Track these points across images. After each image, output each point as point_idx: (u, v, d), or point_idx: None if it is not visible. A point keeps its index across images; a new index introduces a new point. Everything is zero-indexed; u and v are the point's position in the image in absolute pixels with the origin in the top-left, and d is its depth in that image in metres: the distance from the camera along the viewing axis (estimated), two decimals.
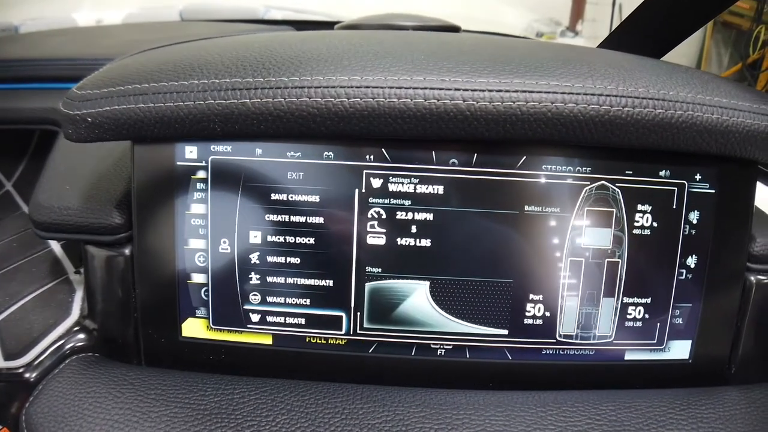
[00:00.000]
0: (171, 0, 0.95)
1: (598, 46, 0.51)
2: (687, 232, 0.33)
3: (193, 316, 0.34)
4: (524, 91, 0.27)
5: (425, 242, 0.32)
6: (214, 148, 0.32)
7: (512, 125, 0.27)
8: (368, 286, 0.33)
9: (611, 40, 0.48)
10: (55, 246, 0.44)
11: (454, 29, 0.44)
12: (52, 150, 0.42)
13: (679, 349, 0.35)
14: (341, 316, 0.33)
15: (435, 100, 0.26)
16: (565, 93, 0.27)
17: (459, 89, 0.26)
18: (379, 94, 0.26)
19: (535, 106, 0.26)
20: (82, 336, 0.36)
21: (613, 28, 1.20)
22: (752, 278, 0.35)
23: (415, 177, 0.31)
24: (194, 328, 0.34)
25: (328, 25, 0.77)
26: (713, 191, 0.33)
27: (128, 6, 0.95)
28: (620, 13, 1.18)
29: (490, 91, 0.26)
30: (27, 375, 0.35)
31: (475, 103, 0.26)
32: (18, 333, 0.36)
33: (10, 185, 0.55)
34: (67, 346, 0.36)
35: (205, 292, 0.34)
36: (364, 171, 0.31)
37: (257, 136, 0.30)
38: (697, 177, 0.33)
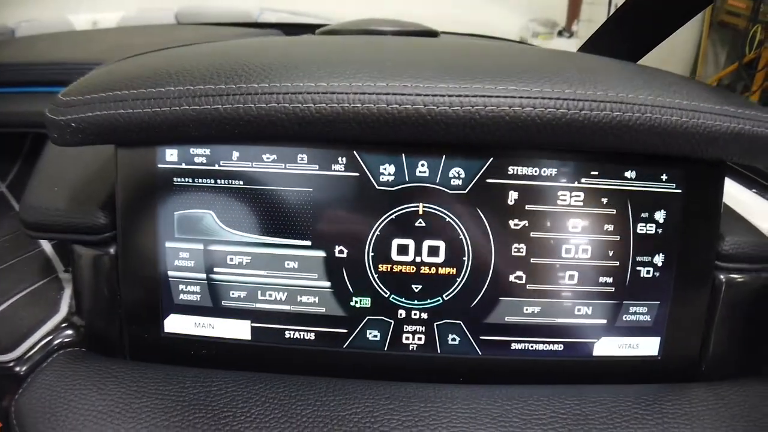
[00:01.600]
0: (167, 2, 0.97)
1: (579, 48, 0.52)
2: (654, 231, 0.34)
3: (175, 312, 0.35)
4: (483, 96, 0.28)
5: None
6: (193, 151, 0.33)
7: (472, 129, 0.28)
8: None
9: (592, 43, 0.49)
10: (47, 246, 0.46)
11: (432, 34, 0.45)
12: (42, 153, 0.44)
13: (648, 346, 0.36)
14: (317, 313, 0.35)
15: (396, 105, 0.27)
16: (522, 97, 0.28)
17: (420, 94, 0.27)
18: (344, 99, 0.27)
19: (494, 110, 0.27)
20: (69, 332, 0.38)
21: None
22: (722, 277, 0.35)
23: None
24: (176, 324, 0.35)
25: (317, 28, 0.78)
26: (680, 191, 0.34)
27: (124, 8, 0.97)
28: None
29: (450, 96, 0.27)
30: (17, 369, 0.36)
31: (435, 107, 0.27)
32: (9, 329, 0.38)
33: (4, 186, 0.57)
34: (56, 341, 0.37)
35: (185, 289, 0.35)
36: (337, 172, 0.33)
37: (232, 139, 0.31)
38: (664, 177, 0.34)
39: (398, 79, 0.28)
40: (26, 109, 0.51)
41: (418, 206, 0.33)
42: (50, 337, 0.37)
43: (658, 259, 0.34)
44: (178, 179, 0.34)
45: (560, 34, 1.10)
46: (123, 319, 0.36)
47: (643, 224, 0.34)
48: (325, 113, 0.28)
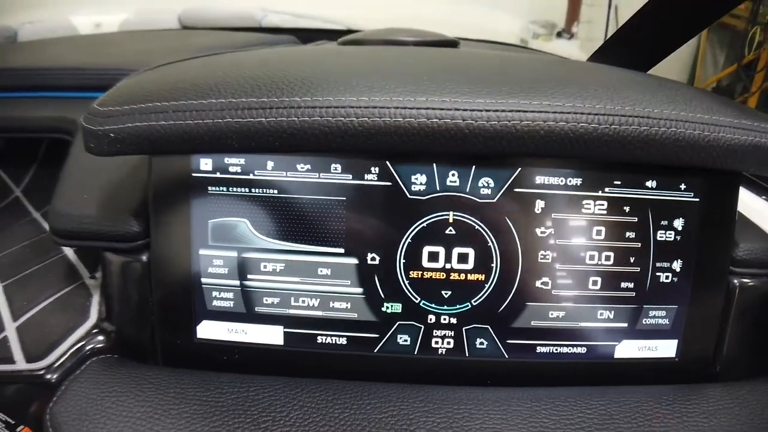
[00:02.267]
0: (169, 4, 0.97)
1: (590, 57, 0.53)
2: (673, 239, 0.35)
3: (208, 318, 0.36)
4: (519, 111, 0.29)
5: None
6: (227, 160, 0.34)
7: (508, 142, 0.29)
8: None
9: (603, 52, 0.50)
10: (69, 252, 0.46)
11: (453, 44, 0.46)
12: (66, 159, 0.44)
13: (666, 348, 0.37)
14: (349, 319, 0.35)
15: (437, 119, 0.28)
16: (557, 112, 0.29)
17: (458, 109, 0.28)
18: (385, 113, 0.28)
19: (529, 125, 0.29)
20: (100, 338, 0.38)
21: (609, 29, 1.22)
22: (735, 281, 0.37)
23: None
24: (209, 329, 0.36)
25: (328, 33, 0.78)
26: (697, 199, 0.35)
27: (127, 10, 0.96)
28: (616, 14, 1.20)
29: (488, 110, 0.28)
30: (48, 376, 0.37)
31: (473, 122, 0.28)
32: (38, 336, 0.38)
33: (19, 191, 0.57)
34: (87, 348, 0.38)
35: (218, 295, 0.36)
36: (370, 182, 0.33)
37: (271, 151, 0.32)
38: (682, 186, 0.35)
39: (437, 94, 0.29)
40: (41, 115, 0.51)
41: (448, 215, 0.34)
42: (81, 344, 0.38)
43: (677, 265, 0.36)
44: (213, 188, 0.34)
45: (560, 35, 1.12)
46: (155, 325, 0.37)
47: (663, 231, 0.35)
48: (367, 127, 0.28)
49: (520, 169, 0.34)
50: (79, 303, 0.40)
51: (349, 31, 0.77)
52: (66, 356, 0.37)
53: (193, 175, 0.34)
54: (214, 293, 0.36)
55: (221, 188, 0.34)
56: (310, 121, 0.29)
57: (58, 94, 0.53)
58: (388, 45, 0.45)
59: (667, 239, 0.35)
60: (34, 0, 0.91)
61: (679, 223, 0.35)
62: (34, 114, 0.51)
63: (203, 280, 0.35)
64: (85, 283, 0.42)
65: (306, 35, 0.68)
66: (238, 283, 0.35)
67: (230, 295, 0.36)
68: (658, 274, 0.36)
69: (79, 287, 0.42)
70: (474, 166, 0.33)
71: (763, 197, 0.45)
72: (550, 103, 0.29)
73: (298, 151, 0.32)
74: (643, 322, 0.36)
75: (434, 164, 0.33)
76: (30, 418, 0.37)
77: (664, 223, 0.35)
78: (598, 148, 0.30)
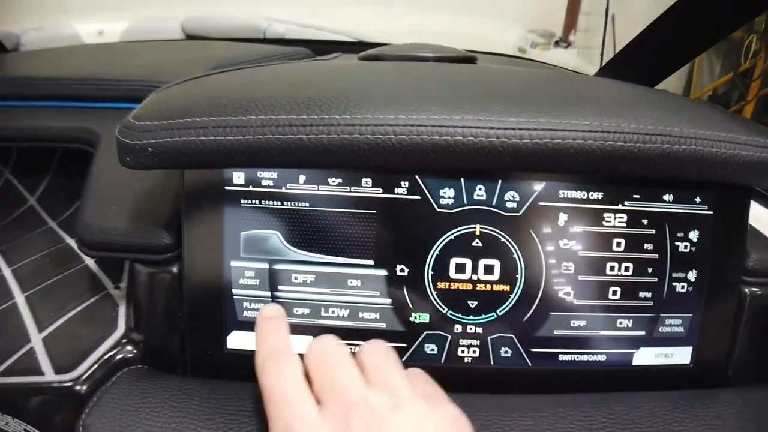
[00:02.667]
0: (172, 11, 0.97)
1: (598, 71, 0.55)
2: (688, 250, 0.37)
3: (238, 329, 0.37)
4: (550, 129, 0.30)
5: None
6: (260, 174, 0.35)
7: (539, 159, 0.30)
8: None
9: (611, 66, 0.52)
10: (90, 261, 0.46)
11: (471, 59, 0.47)
12: (90, 170, 0.44)
13: (681, 355, 0.38)
14: (377, 329, 0.36)
15: (472, 138, 0.29)
16: (586, 131, 0.30)
17: (493, 128, 0.30)
18: (423, 131, 0.29)
19: (560, 143, 0.30)
20: (129, 348, 0.38)
21: (606, 38, 1.24)
22: (746, 290, 0.39)
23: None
24: (239, 340, 0.37)
25: (340, 45, 0.80)
26: (711, 212, 0.37)
27: (129, 17, 0.96)
28: (613, 23, 1.22)
29: (520, 129, 0.30)
30: (77, 388, 0.37)
31: (507, 140, 0.30)
32: (66, 348, 0.38)
33: (33, 200, 0.57)
34: (117, 358, 0.38)
35: (249, 306, 0.36)
36: (400, 195, 0.34)
37: (310, 166, 0.33)
38: (697, 200, 0.37)
39: (471, 112, 0.30)
40: (61, 125, 0.51)
41: (475, 227, 0.35)
42: (110, 354, 0.38)
43: (692, 275, 0.37)
44: (245, 201, 0.35)
45: (557, 44, 1.14)
46: (185, 336, 0.37)
47: (679, 243, 0.37)
48: (405, 144, 0.29)
49: (544, 183, 0.35)
50: (106, 313, 0.41)
51: (360, 43, 0.78)
52: (95, 367, 0.37)
53: (226, 188, 0.35)
54: (245, 304, 0.36)
55: (254, 201, 0.35)
56: (350, 138, 0.29)
57: (76, 104, 0.53)
58: (409, 60, 0.46)
59: (683, 250, 0.37)
60: (37, 6, 0.91)
61: (694, 235, 0.37)
62: (53, 124, 0.51)
63: (234, 291, 0.36)
64: (110, 293, 0.43)
65: (317, 47, 0.69)
66: (268, 294, 0.36)
67: (261, 305, 0.36)
68: (674, 283, 0.37)
69: (105, 297, 0.42)
70: (500, 181, 0.35)
71: None
72: (579, 122, 0.30)
73: (336, 167, 0.33)
74: (660, 330, 0.38)
75: (462, 179, 0.35)
76: (58, 431, 0.37)
77: (680, 234, 0.37)
78: (622, 164, 0.31)
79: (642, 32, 0.48)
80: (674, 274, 0.37)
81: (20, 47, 0.80)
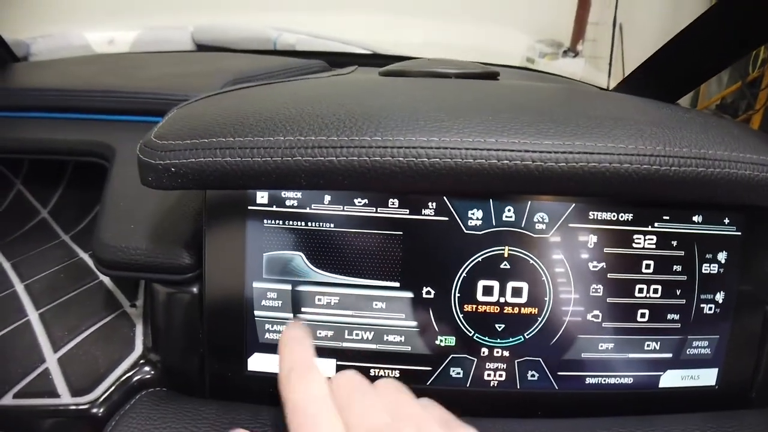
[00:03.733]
0: (182, 20, 0.97)
1: (616, 86, 0.54)
2: (716, 271, 0.36)
3: (259, 351, 0.36)
4: (585, 153, 0.29)
5: None
6: (284, 194, 0.34)
7: (575, 183, 0.30)
8: None
9: (630, 81, 0.52)
10: (105, 278, 0.46)
11: (494, 75, 0.47)
12: (106, 186, 0.43)
13: (708, 377, 0.38)
14: (402, 352, 0.36)
15: (507, 161, 0.29)
16: (621, 154, 0.30)
17: (528, 151, 0.29)
18: (457, 155, 0.29)
19: (596, 167, 0.29)
20: (147, 369, 0.38)
21: (614, 48, 1.24)
22: None
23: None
24: (260, 362, 0.36)
25: (354, 57, 0.79)
26: (740, 233, 0.36)
27: (139, 26, 0.96)
28: (621, 33, 1.22)
29: (556, 152, 0.29)
30: (94, 411, 0.36)
31: (542, 164, 0.29)
32: (83, 368, 0.38)
33: (45, 212, 0.56)
34: (134, 380, 0.37)
35: (271, 328, 0.36)
36: (427, 216, 0.34)
37: (339, 188, 0.32)
38: (726, 221, 0.36)
39: (505, 135, 0.29)
40: (75, 138, 0.51)
41: (503, 249, 0.35)
42: (128, 376, 0.37)
43: (719, 296, 0.37)
44: (269, 221, 0.34)
45: (565, 54, 1.14)
46: (205, 357, 0.36)
47: (707, 264, 0.36)
48: (438, 167, 0.29)
49: (574, 205, 0.34)
50: (122, 333, 0.40)
51: (374, 55, 0.78)
52: (113, 389, 0.37)
53: (249, 208, 0.34)
54: (267, 326, 0.36)
55: (277, 222, 0.34)
56: (382, 161, 0.29)
57: (89, 116, 0.52)
58: (432, 77, 0.45)
59: (711, 272, 0.36)
60: (47, 15, 0.90)
61: (722, 257, 0.36)
62: (66, 137, 0.51)
63: (256, 312, 0.35)
64: (127, 312, 0.42)
65: (331, 58, 0.68)
66: (291, 316, 0.35)
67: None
68: (702, 305, 0.37)
69: (121, 316, 0.41)
70: (529, 202, 0.34)
71: None
72: (615, 145, 0.30)
73: (367, 189, 0.33)
74: (687, 353, 0.37)
75: (491, 200, 0.34)
76: None
77: (709, 256, 0.36)
78: (657, 187, 0.31)
79: (663, 47, 0.47)
80: (702, 296, 0.37)
81: (30, 56, 0.80)
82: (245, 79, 0.54)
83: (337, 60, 0.69)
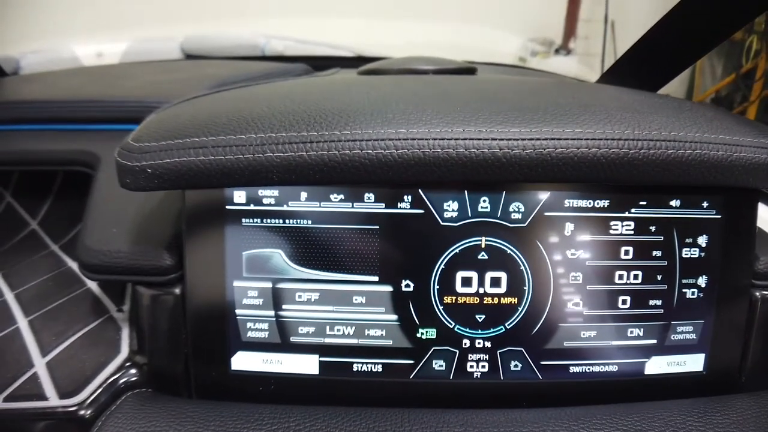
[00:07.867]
0: (171, 32, 0.98)
1: (600, 78, 0.54)
2: (697, 255, 0.36)
3: (243, 349, 0.36)
4: (553, 139, 0.30)
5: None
6: (261, 192, 0.34)
7: (543, 169, 0.30)
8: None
9: (613, 72, 0.52)
10: (93, 285, 0.46)
11: (471, 71, 0.47)
12: (90, 193, 0.44)
13: (694, 362, 0.38)
14: (384, 346, 0.36)
15: (475, 150, 0.29)
16: (589, 139, 0.30)
17: (495, 139, 0.29)
18: (425, 145, 0.29)
19: (563, 152, 0.29)
20: (133, 371, 0.38)
21: (606, 44, 1.25)
22: (757, 294, 0.38)
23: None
24: (244, 361, 0.36)
25: (338, 60, 0.80)
26: (719, 216, 0.36)
27: (128, 38, 0.97)
28: (613, 30, 1.22)
29: (523, 140, 0.29)
30: (81, 412, 0.36)
31: (510, 151, 0.29)
32: (70, 372, 0.38)
33: (35, 224, 0.57)
34: (120, 382, 0.37)
35: (253, 327, 0.36)
36: (403, 210, 0.34)
37: (311, 183, 0.33)
38: (705, 204, 0.36)
39: (473, 124, 0.30)
40: (61, 148, 0.51)
41: (480, 240, 0.35)
42: (114, 378, 0.37)
43: (702, 281, 0.37)
44: (247, 220, 0.35)
45: (557, 51, 1.14)
46: (189, 358, 0.37)
47: (688, 249, 0.36)
48: (407, 158, 0.29)
49: (549, 193, 0.34)
50: (108, 336, 0.40)
51: (359, 58, 0.79)
52: (99, 391, 0.37)
53: (227, 207, 0.35)
54: (249, 324, 0.36)
55: (255, 220, 0.35)
56: (351, 154, 0.29)
57: (76, 126, 0.53)
58: (409, 74, 0.46)
59: (692, 256, 0.36)
60: (36, 30, 0.91)
61: (703, 240, 0.36)
62: (53, 147, 0.51)
63: (238, 311, 0.36)
64: (113, 317, 0.42)
65: (316, 63, 0.69)
66: (272, 313, 0.36)
67: (265, 325, 0.36)
68: (684, 290, 0.37)
69: (107, 321, 0.42)
70: (504, 192, 0.34)
71: None
72: (582, 130, 0.30)
73: (338, 183, 0.33)
74: (672, 338, 0.37)
75: (465, 191, 0.34)
76: None
77: (689, 240, 0.36)
78: (627, 172, 0.31)
79: (642, 37, 0.48)
80: (684, 281, 0.37)
81: (20, 71, 0.81)
82: (227, 84, 0.55)
83: (324, 64, 0.69)
